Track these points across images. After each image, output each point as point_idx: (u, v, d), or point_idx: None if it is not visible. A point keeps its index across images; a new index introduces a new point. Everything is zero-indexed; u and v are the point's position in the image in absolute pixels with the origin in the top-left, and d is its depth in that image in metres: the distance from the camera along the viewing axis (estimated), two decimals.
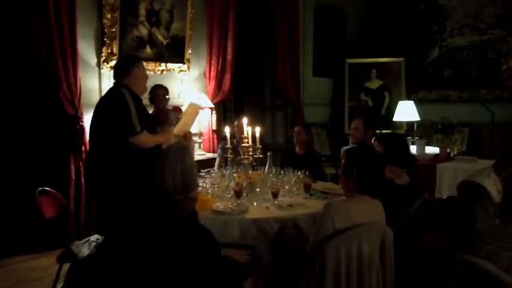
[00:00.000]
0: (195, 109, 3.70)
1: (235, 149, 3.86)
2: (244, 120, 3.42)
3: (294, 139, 4.35)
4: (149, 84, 3.42)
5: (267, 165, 3.43)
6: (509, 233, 2.50)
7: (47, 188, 2.99)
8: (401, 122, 6.50)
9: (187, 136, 3.79)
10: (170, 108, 4.67)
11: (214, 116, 5.49)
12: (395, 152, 3.25)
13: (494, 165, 2.92)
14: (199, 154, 5.07)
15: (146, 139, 3.07)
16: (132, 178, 2.88)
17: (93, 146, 3.27)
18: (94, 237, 2.99)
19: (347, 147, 5.36)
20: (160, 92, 4.35)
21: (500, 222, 2.61)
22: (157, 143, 3.17)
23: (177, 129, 3.60)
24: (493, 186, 2.80)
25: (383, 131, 5.42)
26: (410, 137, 5.50)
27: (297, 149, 4.35)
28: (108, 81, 4.48)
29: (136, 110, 3.03)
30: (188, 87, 5.43)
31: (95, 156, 3.18)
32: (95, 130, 3.16)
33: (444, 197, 4.37)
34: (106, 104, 3.14)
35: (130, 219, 2.18)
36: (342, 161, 2.39)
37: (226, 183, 3.20)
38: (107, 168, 3.02)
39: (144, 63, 3.47)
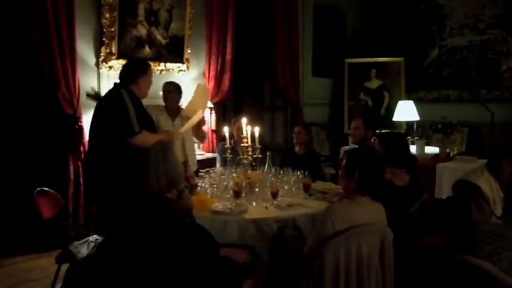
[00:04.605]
0: (204, 90, 3.65)
1: (234, 149, 3.85)
2: (244, 120, 3.41)
3: (294, 139, 4.36)
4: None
5: (266, 165, 3.42)
6: (510, 233, 2.49)
7: (45, 188, 2.98)
8: (400, 122, 6.50)
9: (200, 123, 3.82)
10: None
11: (214, 115, 5.48)
12: (395, 151, 3.24)
13: (488, 164, 2.92)
14: (199, 154, 5.05)
15: (146, 138, 3.10)
16: (130, 179, 2.87)
17: (92, 147, 3.28)
18: (93, 238, 2.99)
19: (347, 147, 5.36)
20: (167, 89, 4.17)
21: (501, 221, 2.61)
22: (158, 141, 3.13)
23: (186, 110, 3.64)
24: (486, 184, 2.80)
25: (383, 131, 5.41)
26: (409, 137, 5.49)
27: (296, 148, 4.36)
28: (107, 81, 4.47)
29: (134, 110, 3.09)
30: (187, 87, 5.40)
31: (94, 157, 3.19)
32: (95, 132, 3.20)
33: (444, 197, 4.37)
34: (105, 105, 3.20)
35: (129, 220, 2.17)
36: (343, 162, 2.37)
37: (225, 183, 3.20)
38: (106, 169, 3.02)
39: None
